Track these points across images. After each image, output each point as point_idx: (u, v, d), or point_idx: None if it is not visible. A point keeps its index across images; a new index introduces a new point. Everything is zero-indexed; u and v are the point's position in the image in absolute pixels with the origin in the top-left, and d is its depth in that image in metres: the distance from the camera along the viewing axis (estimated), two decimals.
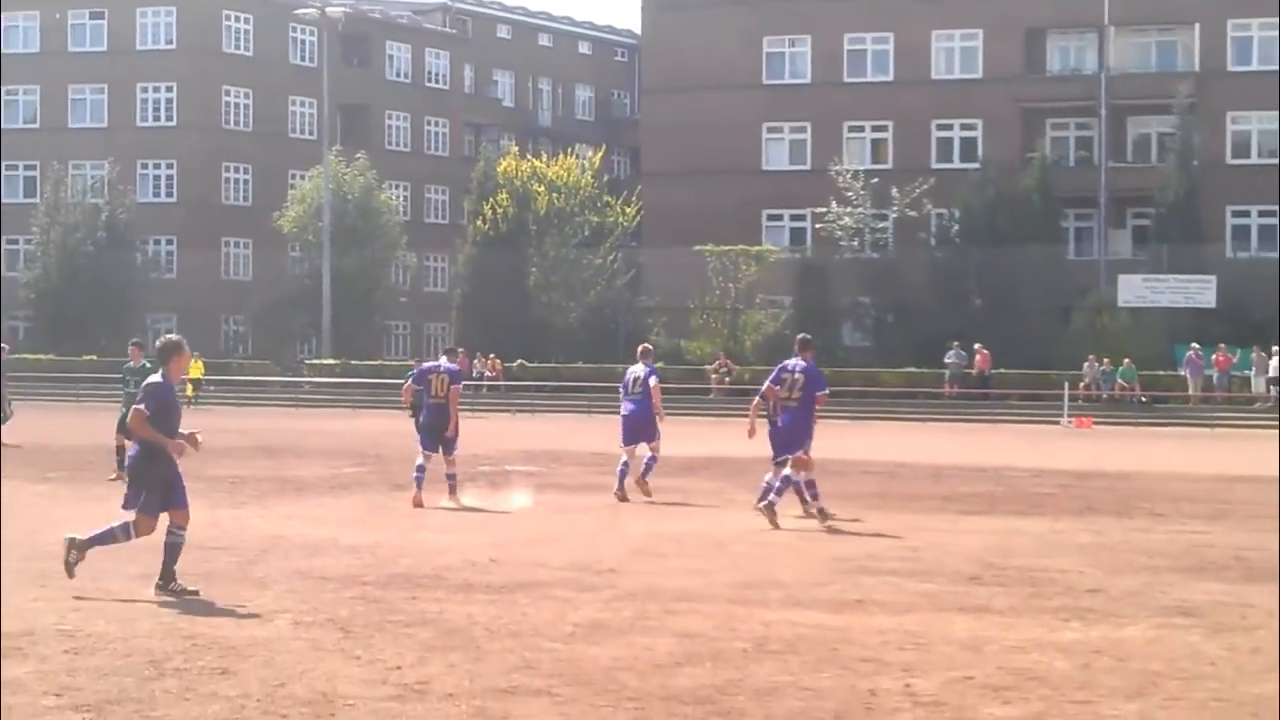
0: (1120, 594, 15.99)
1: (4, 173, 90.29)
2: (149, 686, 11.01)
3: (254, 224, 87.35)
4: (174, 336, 16.90)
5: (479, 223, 78.57)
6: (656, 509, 25.28)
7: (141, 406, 15.68)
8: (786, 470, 21.97)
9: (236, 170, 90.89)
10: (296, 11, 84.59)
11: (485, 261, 77.72)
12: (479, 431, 44.93)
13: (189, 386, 64.40)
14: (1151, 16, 75.04)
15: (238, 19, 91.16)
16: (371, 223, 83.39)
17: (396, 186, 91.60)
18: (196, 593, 15.20)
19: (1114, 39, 75.27)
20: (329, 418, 60.74)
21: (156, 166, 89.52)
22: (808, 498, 22.40)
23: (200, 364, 68.36)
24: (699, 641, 12.96)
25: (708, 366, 69.54)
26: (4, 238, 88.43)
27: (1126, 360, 62.60)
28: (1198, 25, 73.26)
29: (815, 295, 72.66)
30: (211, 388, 70.83)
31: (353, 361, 76.60)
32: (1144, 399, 63.32)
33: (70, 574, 15.11)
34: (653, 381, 27.03)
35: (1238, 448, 44.15)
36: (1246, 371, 63.61)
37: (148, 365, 27.58)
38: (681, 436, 42.56)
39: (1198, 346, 62.44)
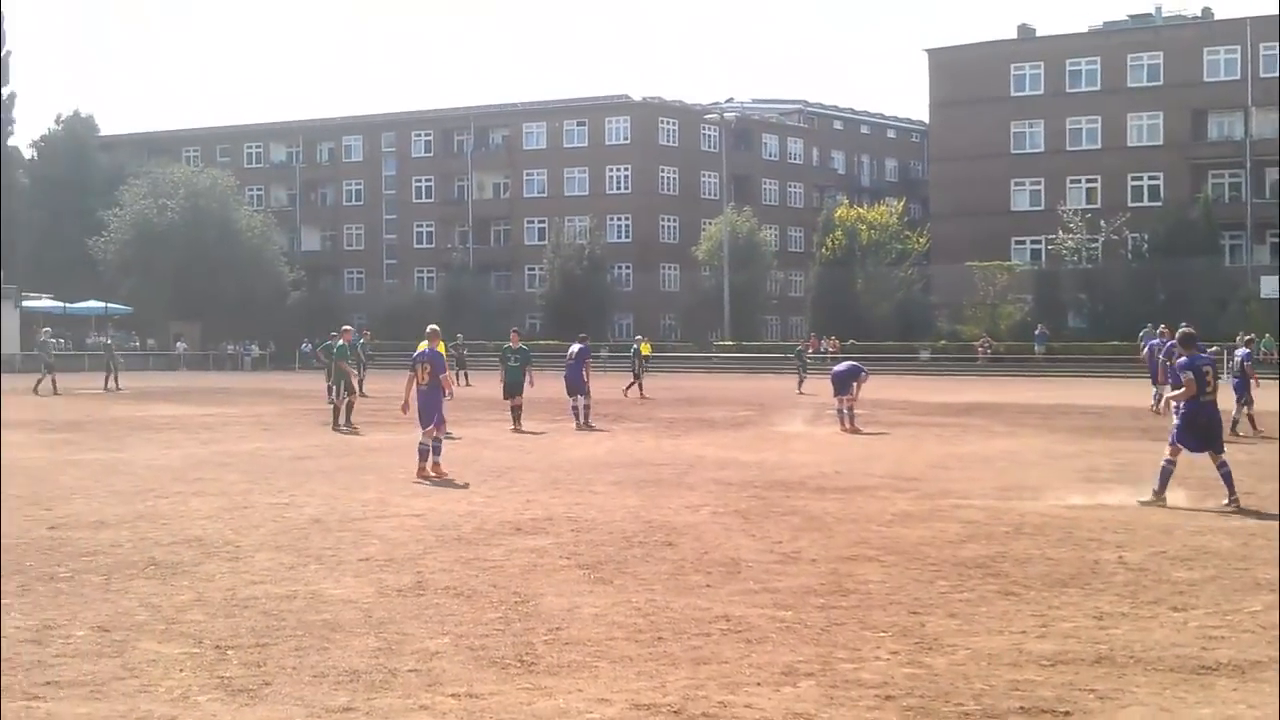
0: (1267, 494, 15.45)
1: (525, 224, 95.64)
2: (624, 553, 11.31)
3: (680, 254, 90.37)
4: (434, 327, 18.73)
5: (824, 251, 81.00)
6: (944, 436, 25.15)
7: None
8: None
9: (668, 219, 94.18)
10: (705, 116, 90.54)
11: (827, 276, 79.86)
12: (822, 387, 50.19)
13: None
14: None
15: (668, 122, 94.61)
16: (753, 252, 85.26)
17: (770, 228, 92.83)
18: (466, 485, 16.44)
19: (1255, 115, 75.49)
20: (730, 380, 61.55)
21: (619, 219, 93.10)
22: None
23: (648, 345, 74.87)
24: (976, 526, 12.91)
25: (976, 342, 70.96)
26: (525, 266, 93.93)
27: (1268, 335, 61.99)
28: None
29: (1049, 294, 74.63)
30: (653, 361, 67.83)
31: (744, 341, 79.22)
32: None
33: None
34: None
35: None
36: None
37: (523, 347, 27.93)
38: (957, 390, 46.01)
39: None
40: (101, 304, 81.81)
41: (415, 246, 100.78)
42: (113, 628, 8.60)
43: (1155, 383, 31.12)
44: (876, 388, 45.46)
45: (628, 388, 42.24)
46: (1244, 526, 13.18)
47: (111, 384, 46.16)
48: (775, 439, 25.02)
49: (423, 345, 18.61)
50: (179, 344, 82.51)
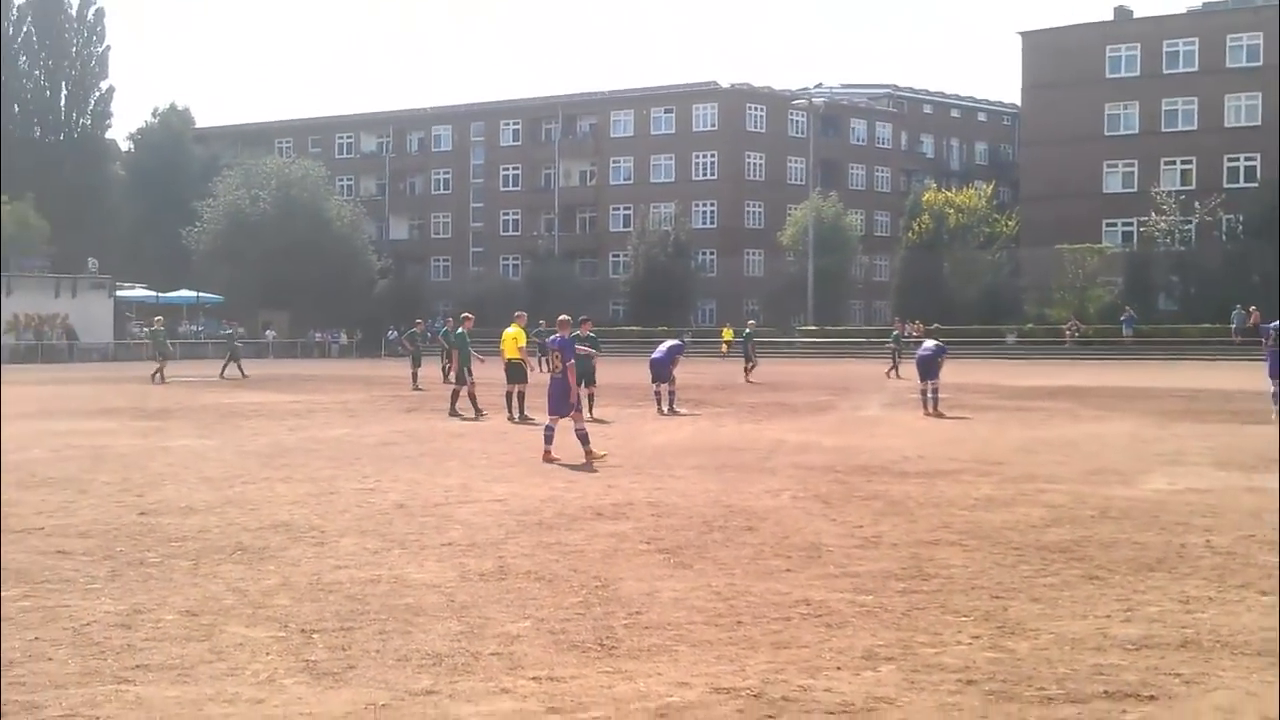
0: None
1: (610, 211, 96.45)
2: (704, 538, 11.29)
3: (765, 240, 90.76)
4: (565, 316, 19.08)
5: (910, 234, 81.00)
6: (1029, 420, 24.96)
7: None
8: None
9: (753, 205, 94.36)
10: (793, 102, 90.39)
11: (914, 260, 79.70)
12: (906, 372, 48.25)
13: (724, 345, 66.01)
14: None
15: (755, 108, 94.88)
16: (839, 237, 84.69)
17: (856, 213, 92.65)
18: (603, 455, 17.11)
19: None
20: (813, 365, 60.60)
21: (704, 205, 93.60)
22: None
23: (730, 330, 73.35)
24: (1060, 510, 12.76)
25: (1064, 326, 70.15)
26: (610, 253, 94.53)
27: None
28: None
29: (1139, 276, 73.76)
30: (734, 346, 69.23)
31: (827, 326, 79.46)
32: None
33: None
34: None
35: None
36: None
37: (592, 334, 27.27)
38: (1044, 373, 45.53)
39: None
40: (194, 293, 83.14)
41: (501, 234, 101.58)
42: (200, 612, 8.71)
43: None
44: (961, 372, 45.14)
45: (746, 371, 43.35)
46: None
47: (234, 371, 46.55)
48: (857, 423, 24.93)
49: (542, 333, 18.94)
50: (268, 332, 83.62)
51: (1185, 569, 10.02)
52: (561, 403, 17.94)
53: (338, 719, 6.37)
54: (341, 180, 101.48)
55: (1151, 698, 6.65)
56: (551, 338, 18.29)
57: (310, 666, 7.32)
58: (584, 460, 17.21)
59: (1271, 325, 27.43)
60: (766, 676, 7.06)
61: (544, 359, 35.20)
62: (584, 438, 17.66)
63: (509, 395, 26.78)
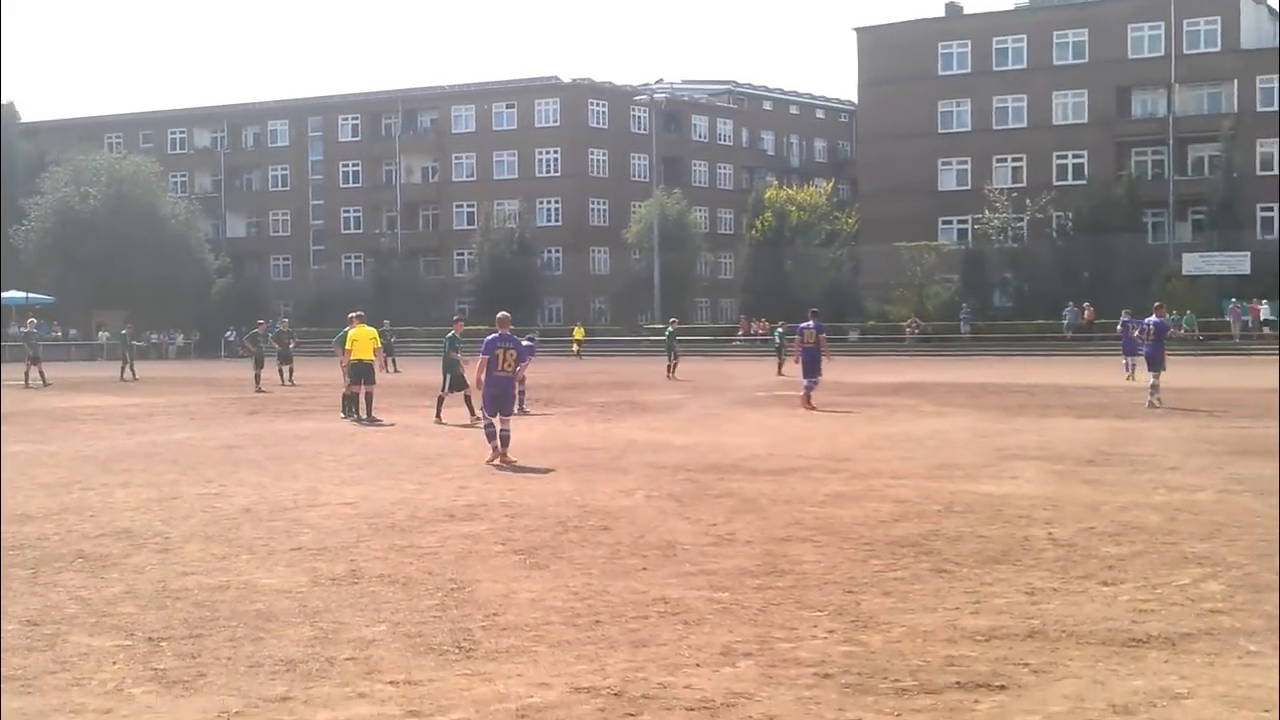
0: (1193, 470, 15.84)
1: (453, 208, 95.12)
2: (559, 538, 11.28)
3: (610, 237, 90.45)
4: (504, 314, 18.62)
5: (753, 232, 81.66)
6: (873, 417, 25.23)
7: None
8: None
9: (598, 202, 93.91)
10: (635, 98, 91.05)
11: (758, 258, 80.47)
12: (753, 370, 48.87)
13: (575, 345, 68.10)
14: (1204, 76, 75.48)
15: (597, 104, 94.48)
16: (684, 234, 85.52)
17: (700, 210, 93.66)
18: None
19: (1178, 92, 76.05)
20: (661, 363, 56.91)
21: (548, 202, 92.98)
22: None
23: (582, 329, 71.76)
24: (908, 505, 13.00)
25: (904, 323, 71.99)
26: (454, 251, 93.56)
27: (1189, 311, 63.05)
28: (1235, 81, 74.46)
29: (975, 273, 75.05)
30: (586, 345, 70.94)
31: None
32: (1201, 337, 62.79)
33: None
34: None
35: (1268, 370, 40.35)
36: (1272, 317, 65.11)
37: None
38: (886, 370, 46.39)
39: (1237, 301, 65.15)
40: (22, 294, 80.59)
41: (343, 232, 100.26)
42: (42, 621, 8.49)
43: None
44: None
45: (669, 369, 44.76)
46: (1170, 502, 13.36)
47: (128, 373, 46.77)
48: (707, 422, 25.05)
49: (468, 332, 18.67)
50: (101, 333, 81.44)
51: (1030, 561, 10.24)
52: (504, 401, 17.85)
53: None
54: (175, 176, 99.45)
55: (1002, 688, 6.80)
56: (490, 336, 18.14)
57: (159, 675, 7.17)
58: (494, 460, 17.35)
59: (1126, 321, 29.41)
60: (626, 675, 7.09)
61: (389, 359, 34.75)
62: (507, 439, 17.61)
63: (354, 396, 26.52)
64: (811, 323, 29.05)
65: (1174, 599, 8.87)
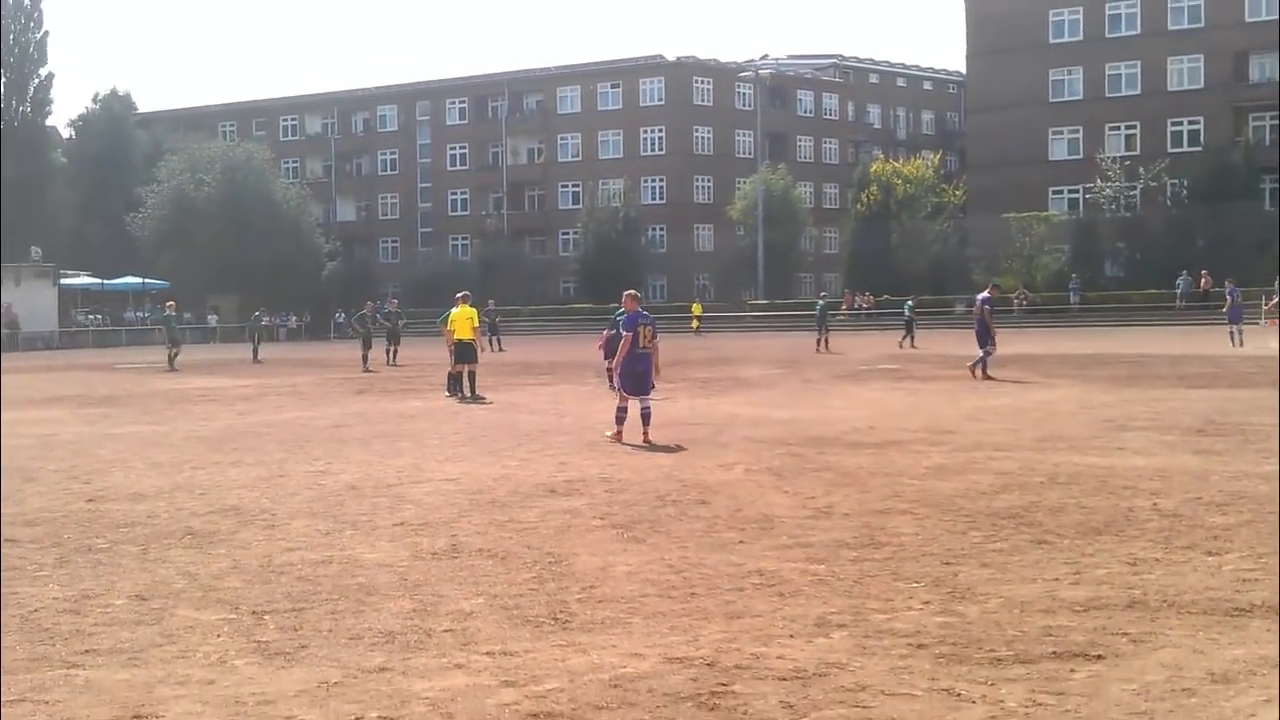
0: None
1: (558, 189, 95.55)
2: (657, 512, 11.32)
3: (714, 214, 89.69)
4: (633, 291, 18.46)
5: (859, 206, 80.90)
6: (979, 389, 25.00)
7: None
8: None
9: (702, 179, 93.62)
10: (740, 75, 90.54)
11: (863, 232, 79.83)
12: (858, 344, 48.28)
13: (695, 321, 68.98)
14: None
15: (702, 81, 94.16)
16: (788, 210, 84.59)
17: (805, 185, 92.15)
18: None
19: None
20: (765, 339, 61.34)
21: (653, 180, 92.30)
22: None
23: (699, 305, 72.22)
24: (1010, 477, 12.84)
25: (1012, 295, 69.22)
26: (560, 231, 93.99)
27: None
28: None
29: (1086, 243, 74.02)
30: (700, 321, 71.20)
31: (778, 300, 79.28)
32: None
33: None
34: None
35: None
36: None
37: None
38: (998, 342, 48.99)
39: None
40: (139, 279, 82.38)
41: (450, 214, 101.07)
42: (150, 596, 8.66)
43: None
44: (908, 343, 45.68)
45: (818, 343, 44.88)
46: None
47: (259, 355, 47.96)
48: (809, 396, 24.97)
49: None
50: (210, 317, 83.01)
51: (1133, 531, 10.10)
52: (642, 381, 17.55)
53: (290, 698, 6.34)
54: (287, 163, 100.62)
55: (1099, 657, 6.71)
56: (620, 314, 17.99)
57: (261, 647, 7.28)
58: (616, 439, 17.08)
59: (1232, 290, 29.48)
60: (719, 646, 7.08)
61: (494, 339, 34.91)
62: (648, 416, 17.29)
63: (459, 375, 26.82)
64: (983, 294, 29.39)
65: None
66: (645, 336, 17.50)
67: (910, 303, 51.62)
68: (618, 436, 17.16)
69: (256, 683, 6.63)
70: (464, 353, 26.74)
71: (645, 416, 17.18)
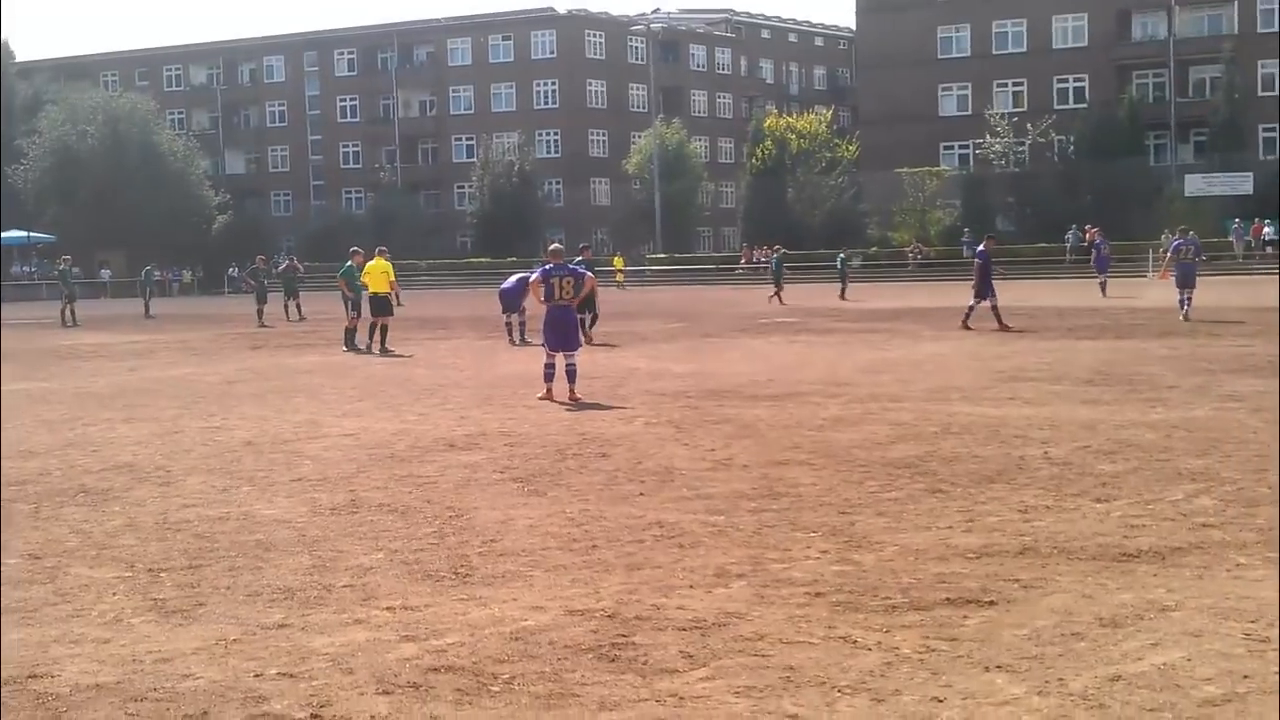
0: (1190, 388, 15.85)
1: (452, 142, 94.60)
2: (558, 465, 11.34)
3: (610, 168, 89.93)
4: (557, 245, 18.37)
5: (753, 161, 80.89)
6: (873, 342, 25.26)
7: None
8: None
9: (597, 133, 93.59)
10: (631, 28, 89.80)
11: (759, 187, 79.92)
12: (755, 298, 47.81)
13: (618, 275, 67.10)
14: None
15: (594, 34, 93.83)
16: (684, 164, 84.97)
17: (699, 140, 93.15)
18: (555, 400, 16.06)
19: (1178, 14, 75.54)
20: (662, 292, 62.33)
21: (547, 134, 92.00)
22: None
23: (621, 259, 70.66)
24: (905, 428, 12.99)
25: (907, 249, 71.64)
26: (454, 185, 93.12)
27: (1191, 232, 63.91)
28: (1235, 2, 73.87)
29: (977, 198, 74.31)
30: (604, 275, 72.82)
31: (676, 254, 79.67)
32: (1204, 258, 63.29)
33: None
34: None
35: (1269, 289, 40.23)
36: (1275, 236, 64.31)
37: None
38: (889, 294, 46.84)
39: (1239, 221, 64.82)
40: (24, 233, 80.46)
41: (342, 167, 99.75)
42: (43, 554, 8.55)
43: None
44: (807, 296, 46.81)
45: (771, 297, 44.24)
46: (1166, 419, 13.34)
47: (151, 310, 47.95)
48: (708, 350, 25.03)
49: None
50: (103, 272, 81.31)
51: (1024, 480, 10.29)
52: (566, 337, 16.79)
53: (187, 655, 6.30)
54: (172, 114, 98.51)
55: (992, 603, 6.85)
56: (544, 266, 17.06)
57: (158, 605, 7.24)
58: (547, 398, 16.47)
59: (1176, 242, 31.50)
60: (620, 597, 7.14)
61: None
62: (573, 374, 16.59)
63: (356, 329, 26.66)
64: (980, 247, 29.58)
65: (1166, 514, 8.91)
66: (564, 289, 16.57)
67: (843, 255, 51.58)
68: (549, 395, 16.51)
69: (153, 641, 6.58)
70: (379, 306, 26.63)
71: (570, 373, 16.54)
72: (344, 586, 7.54)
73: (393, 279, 27.45)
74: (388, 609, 7.03)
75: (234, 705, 5.55)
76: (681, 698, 5.51)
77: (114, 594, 7.52)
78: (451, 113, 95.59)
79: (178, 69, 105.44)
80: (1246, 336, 24.01)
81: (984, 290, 28.05)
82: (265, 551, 8.50)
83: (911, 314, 34.65)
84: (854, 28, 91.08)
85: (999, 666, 5.82)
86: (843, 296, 45.89)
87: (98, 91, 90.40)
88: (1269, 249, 64.86)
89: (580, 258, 27.97)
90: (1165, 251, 45.87)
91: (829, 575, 7.52)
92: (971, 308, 28.32)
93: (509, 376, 19.89)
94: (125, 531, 9.24)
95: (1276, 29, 73.21)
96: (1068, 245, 66.75)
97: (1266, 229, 65.73)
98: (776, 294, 44.38)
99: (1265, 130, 73.54)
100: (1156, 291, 37.97)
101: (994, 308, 27.91)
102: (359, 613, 6.99)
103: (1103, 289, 42.29)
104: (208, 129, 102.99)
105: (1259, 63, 73.83)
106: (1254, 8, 74.51)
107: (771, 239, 72.03)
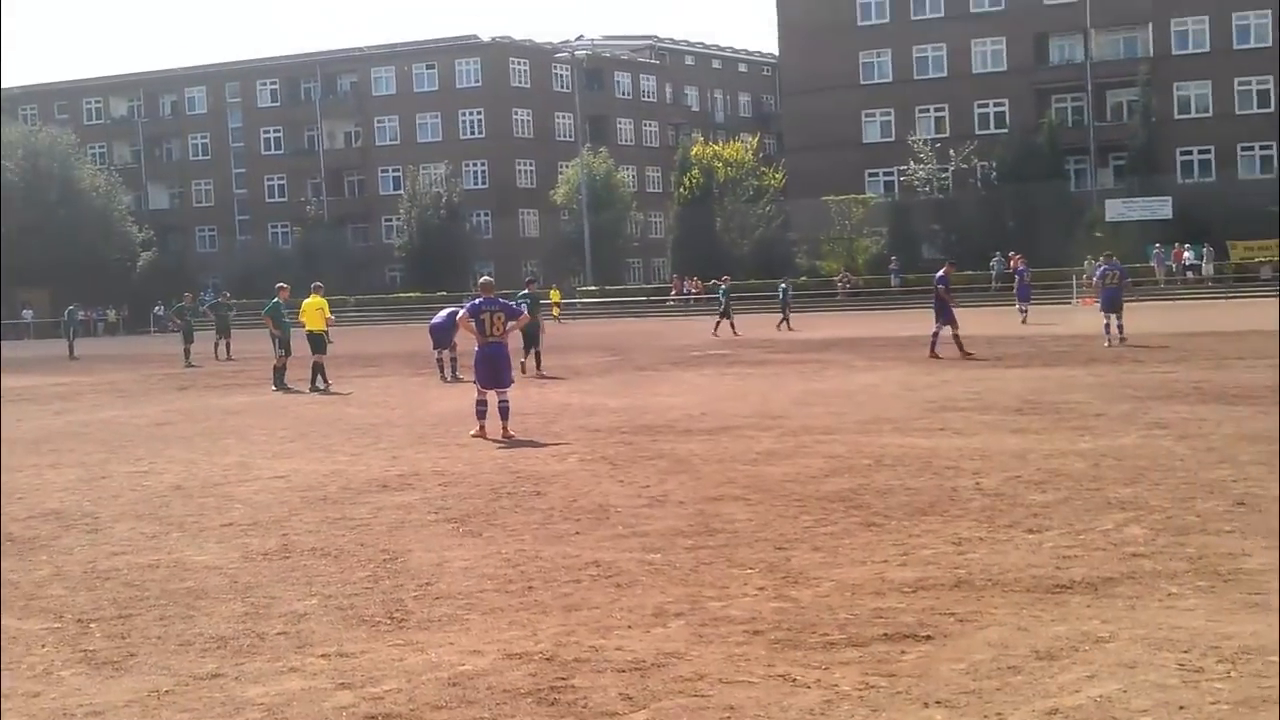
0: (1116, 416, 16.03)
1: (378, 174, 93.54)
2: (492, 505, 11.28)
3: (538, 199, 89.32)
4: (487, 278, 18.10)
5: (681, 190, 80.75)
6: (805, 373, 25.31)
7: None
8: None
9: (524, 163, 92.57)
10: (556, 56, 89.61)
11: (687, 216, 79.86)
12: (686, 329, 48.56)
13: (555, 309, 64.89)
14: (1120, 20, 75.17)
15: (519, 62, 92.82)
16: (612, 194, 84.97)
17: (626, 169, 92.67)
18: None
19: (1095, 37, 76.04)
20: (593, 325, 62.42)
21: (474, 164, 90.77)
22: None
23: (558, 292, 68.67)
24: (838, 460, 13.06)
25: (835, 278, 71.70)
26: (382, 217, 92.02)
27: (1115, 257, 64.04)
28: (1151, 25, 74.39)
29: (903, 226, 75.14)
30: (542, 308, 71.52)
31: (607, 286, 79.70)
32: (1129, 281, 62.20)
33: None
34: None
35: (1192, 314, 42.95)
36: (1196, 261, 65.37)
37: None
38: (818, 325, 46.34)
39: (1160, 246, 65.39)
40: None
41: (267, 201, 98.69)
42: None
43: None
44: (741, 326, 45.94)
45: (716, 327, 44.26)
46: (1095, 448, 13.45)
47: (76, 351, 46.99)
48: (641, 383, 25.09)
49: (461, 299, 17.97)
50: (25, 312, 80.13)
51: (957, 511, 10.38)
52: (497, 373, 16.54)
53: (119, 708, 6.23)
54: (93, 148, 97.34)
55: (928, 637, 6.91)
56: (473, 300, 16.85)
57: (88, 656, 7.15)
58: (481, 435, 16.35)
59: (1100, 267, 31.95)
60: (558, 639, 7.13)
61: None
62: (506, 411, 16.44)
63: (285, 368, 26.70)
64: (939, 273, 29.60)
65: (1097, 544, 8.99)
66: (495, 325, 16.41)
67: (784, 285, 51.24)
68: (482, 432, 16.34)
69: (84, 693, 6.49)
70: (316, 344, 26.50)
71: (503, 410, 16.36)
72: (278, 634, 7.48)
73: (329, 315, 27.33)
74: (323, 656, 6.98)
75: None
76: None
77: (43, 646, 7.42)
78: (377, 143, 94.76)
79: (98, 101, 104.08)
80: (1170, 362, 24.30)
81: (944, 315, 28.10)
82: (196, 599, 8.42)
83: (842, 344, 34.86)
84: (777, 54, 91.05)
85: (938, 702, 5.86)
86: (787, 326, 45.82)
87: (16, 126, 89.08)
88: (1190, 274, 65.61)
89: (525, 291, 28.27)
90: (1089, 277, 46.90)
91: (767, 612, 7.55)
92: (936, 334, 28.37)
93: (442, 414, 19.81)
94: (53, 581, 9.12)
95: (1192, 50, 74.34)
96: (993, 273, 66.89)
97: (1187, 254, 66.23)
98: (730, 323, 44.40)
99: (1183, 154, 74.26)
100: (1081, 317, 38.49)
101: (955, 336, 27.95)
102: (294, 660, 6.93)
103: (1023, 317, 42.84)
104: (130, 162, 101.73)
105: (1175, 85, 74.70)
106: (1168, 30, 75.26)
107: (701, 269, 72.97)
